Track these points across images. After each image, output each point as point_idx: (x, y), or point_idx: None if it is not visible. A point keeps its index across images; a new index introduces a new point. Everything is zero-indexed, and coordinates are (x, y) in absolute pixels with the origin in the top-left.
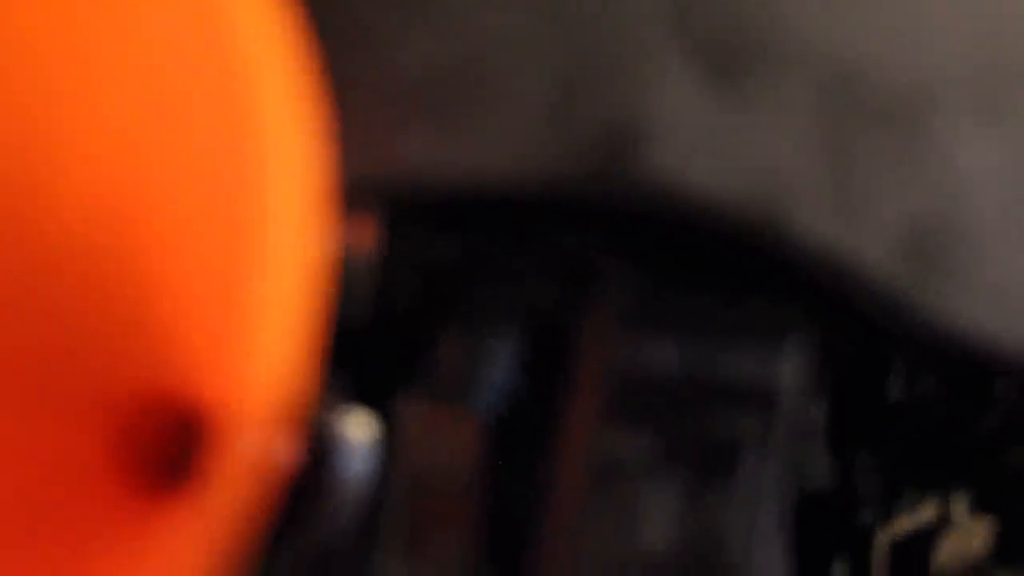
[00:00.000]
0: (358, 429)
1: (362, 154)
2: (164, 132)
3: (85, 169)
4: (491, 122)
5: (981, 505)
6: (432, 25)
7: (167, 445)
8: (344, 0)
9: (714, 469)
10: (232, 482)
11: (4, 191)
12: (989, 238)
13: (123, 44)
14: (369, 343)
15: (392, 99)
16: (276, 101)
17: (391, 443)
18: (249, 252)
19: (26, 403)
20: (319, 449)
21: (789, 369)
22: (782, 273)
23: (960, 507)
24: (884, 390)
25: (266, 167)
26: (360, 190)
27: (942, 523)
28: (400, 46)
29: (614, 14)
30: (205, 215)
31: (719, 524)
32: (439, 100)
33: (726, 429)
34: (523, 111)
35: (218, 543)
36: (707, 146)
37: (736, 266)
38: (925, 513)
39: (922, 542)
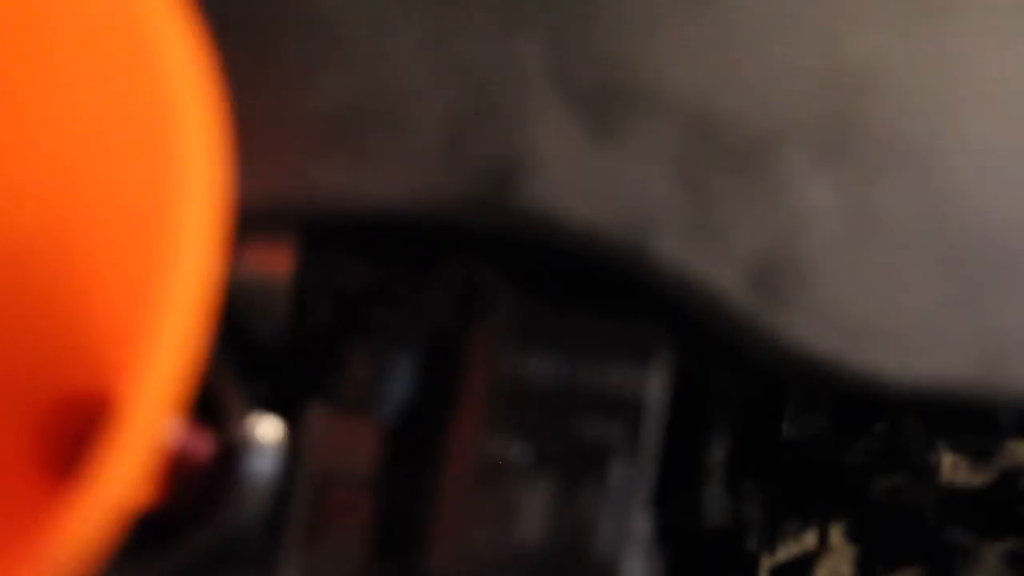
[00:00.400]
0: (268, 433)
1: (279, 182)
2: (88, 152)
3: (9, 183)
4: (392, 155)
5: (852, 533)
6: (339, 68)
7: (80, 434)
8: (262, 39)
9: (583, 471)
10: (120, 468)
11: None
12: (826, 268)
13: (49, 70)
14: (284, 358)
15: (306, 131)
16: (192, 126)
17: (298, 446)
18: (159, 264)
19: None
20: (231, 449)
21: (654, 383)
22: (648, 297)
23: (838, 534)
24: (776, 427)
25: (179, 187)
26: (277, 216)
27: (820, 550)
28: (312, 83)
29: (502, 62)
30: (122, 230)
31: (587, 521)
32: (347, 134)
33: (595, 436)
34: (420, 147)
35: (101, 526)
36: (581, 181)
37: (608, 289)
38: (806, 541)
39: (801, 568)
